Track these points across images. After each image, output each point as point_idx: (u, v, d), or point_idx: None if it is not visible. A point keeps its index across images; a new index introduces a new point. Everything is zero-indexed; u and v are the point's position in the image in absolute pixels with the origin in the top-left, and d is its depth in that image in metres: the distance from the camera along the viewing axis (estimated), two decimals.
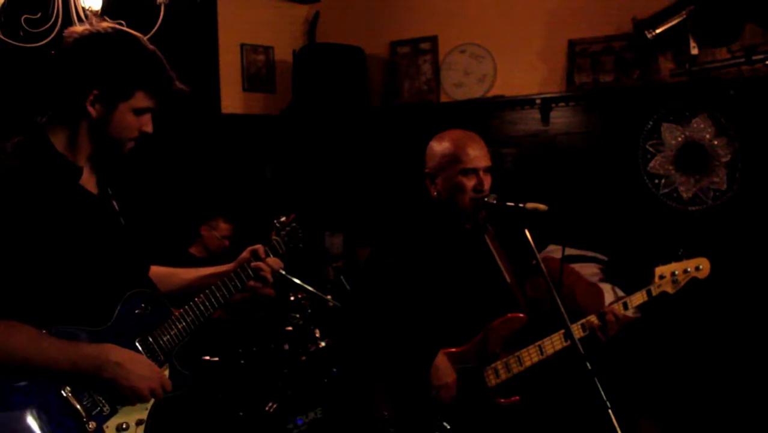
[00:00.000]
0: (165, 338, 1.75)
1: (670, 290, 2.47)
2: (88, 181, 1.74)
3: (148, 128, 1.75)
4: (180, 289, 1.94)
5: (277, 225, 2.07)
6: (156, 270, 1.94)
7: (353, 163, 4.89)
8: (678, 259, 2.52)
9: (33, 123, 1.69)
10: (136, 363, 1.64)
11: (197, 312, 1.82)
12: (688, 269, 2.49)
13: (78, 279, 1.62)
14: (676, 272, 2.47)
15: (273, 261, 1.98)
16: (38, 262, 1.55)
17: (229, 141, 4.64)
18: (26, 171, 1.59)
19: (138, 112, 1.71)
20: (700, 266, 2.51)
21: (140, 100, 1.69)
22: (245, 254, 1.98)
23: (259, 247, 1.98)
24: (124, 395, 1.62)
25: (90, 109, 1.65)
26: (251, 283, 1.93)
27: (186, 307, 1.81)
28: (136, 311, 1.72)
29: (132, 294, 1.72)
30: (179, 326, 1.78)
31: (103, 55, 1.65)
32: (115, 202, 1.85)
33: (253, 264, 1.94)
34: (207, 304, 1.84)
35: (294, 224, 2.10)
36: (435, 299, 2.25)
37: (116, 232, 1.78)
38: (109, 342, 1.63)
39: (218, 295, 1.86)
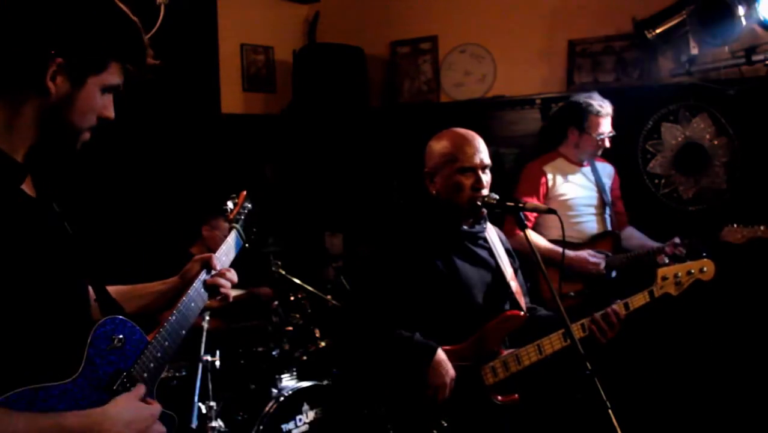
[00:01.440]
0: (144, 375, 1.42)
1: (673, 291, 2.46)
2: (26, 181, 1.32)
3: (110, 112, 1.37)
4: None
5: (230, 208, 1.83)
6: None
7: (353, 163, 4.89)
8: (682, 260, 2.51)
9: None
10: (131, 423, 1.30)
11: (173, 338, 1.52)
12: (692, 271, 2.48)
13: (31, 317, 1.22)
14: (680, 274, 2.46)
15: (230, 275, 1.67)
16: None
17: (229, 141, 4.64)
18: None
19: (105, 90, 1.34)
20: (705, 268, 2.50)
21: (113, 73, 1.33)
22: (194, 266, 1.67)
23: (210, 256, 1.67)
24: None
25: (49, 84, 1.24)
26: (211, 303, 1.63)
27: (161, 332, 1.50)
28: (108, 347, 1.35)
29: (99, 326, 1.35)
30: (158, 356, 1.46)
31: (70, 11, 1.26)
32: (58, 206, 1.42)
33: (208, 280, 1.63)
34: (175, 333, 1.53)
35: (248, 204, 1.87)
36: (434, 297, 2.25)
37: (65, 245, 1.37)
38: (84, 396, 1.27)
39: (183, 322, 1.56)
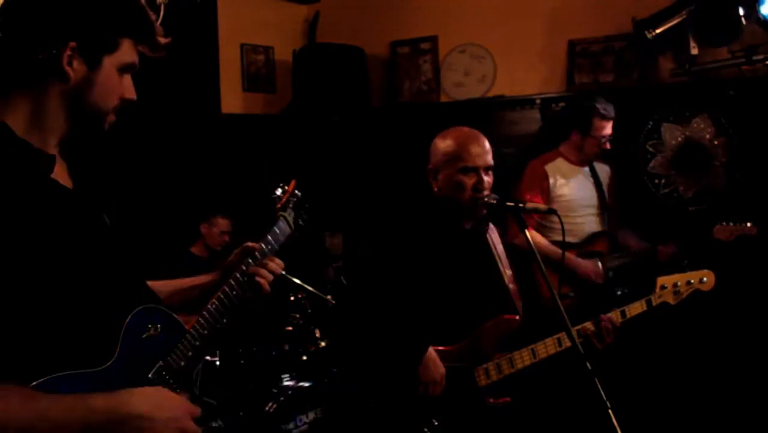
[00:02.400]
0: (182, 364, 1.42)
1: (671, 300, 2.45)
2: (60, 172, 1.32)
3: (132, 94, 1.37)
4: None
5: (279, 196, 1.85)
6: None
7: (353, 163, 4.89)
8: (682, 270, 2.51)
9: None
10: (161, 408, 1.25)
11: (212, 327, 1.51)
12: (692, 281, 2.46)
13: (67, 305, 1.23)
14: (679, 283, 2.45)
15: (274, 265, 1.67)
16: (14, 290, 1.15)
17: (229, 141, 4.64)
18: None
19: (122, 70, 1.34)
20: (705, 279, 2.48)
21: (127, 52, 1.33)
22: (239, 254, 1.68)
23: (254, 246, 1.68)
24: None
25: (67, 69, 1.25)
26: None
27: (199, 321, 1.49)
28: (144, 335, 1.36)
29: (135, 315, 1.35)
30: (196, 345, 1.45)
31: None
32: (95, 197, 1.45)
33: (250, 269, 1.62)
34: (215, 321, 1.53)
35: (297, 192, 1.88)
36: (430, 296, 2.25)
37: (103, 236, 1.38)
38: (118, 383, 1.25)
39: (223, 311, 1.56)
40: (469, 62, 4.64)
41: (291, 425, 3.25)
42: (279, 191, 1.89)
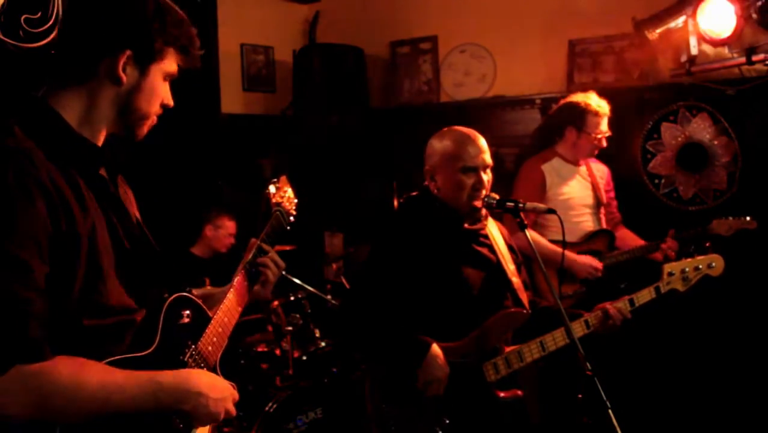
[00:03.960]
0: (209, 348, 1.55)
1: (680, 287, 2.41)
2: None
3: (170, 100, 1.51)
4: None
5: (272, 192, 1.92)
6: None
7: (353, 163, 4.89)
8: (689, 256, 2.49)
9: (30, 98, 1.37)
10: (214, 388, 1.43)
11: (232, 313, 1.64)
12: (700, 267, 2.43)
13: (117, 294, 1.35)
14: (687, 270, 2.41)
15: (278, 259, 1.79)
16: (76, 278, 1.27)
17: (229, 141, 4.64)
18: (39, 157, 1.26)
19: (165, 77, 1.46)
20: (713, 264, 2.45)
21: (171, 61, 1.45)
22: (248, 249, 1.78)
23: (255, 241, 1.79)
24: (200, 423, 1.43)
25: (121, 74, 1.36)
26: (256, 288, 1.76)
27: (221, 308, 1.61)
28: (179, 322, 1.48)
29: (171, 303, 1.47)
30: (219, 331, 1.58)
31: (133, 9, 1.38)
32: (126, 191, 1.59)
33: (259, 260, 1.75)
34: (234, 311, 1.66)
35: (289, 189, 1.95)
36: (435, 294, 2.25)
37: (139, 228, 1.52)
38: (160, 367, 1.37)
39: (242, 302, 1.70)
40: (469, 62, 4.64)
41: (291, 425, 3.25)
42: (272, 188, 1.96)
